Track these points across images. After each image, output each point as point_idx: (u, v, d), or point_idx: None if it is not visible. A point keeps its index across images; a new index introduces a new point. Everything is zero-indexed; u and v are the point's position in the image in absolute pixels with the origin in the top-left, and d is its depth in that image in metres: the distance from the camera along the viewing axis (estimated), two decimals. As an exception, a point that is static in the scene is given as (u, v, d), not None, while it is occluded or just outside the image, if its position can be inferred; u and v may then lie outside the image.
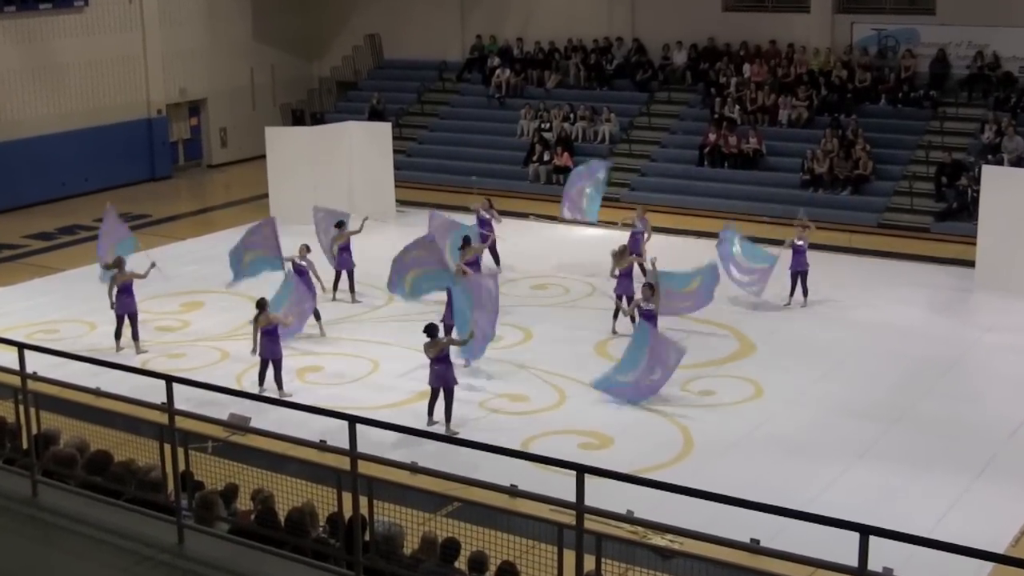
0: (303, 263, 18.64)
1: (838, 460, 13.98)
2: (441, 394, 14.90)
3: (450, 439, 11.94)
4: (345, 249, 20.03)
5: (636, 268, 19.07)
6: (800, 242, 19.31)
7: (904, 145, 26.33)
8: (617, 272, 18.36)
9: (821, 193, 25.70)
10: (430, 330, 14.90)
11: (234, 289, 19.44)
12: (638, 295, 17.51)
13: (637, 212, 20.93)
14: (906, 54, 27.47)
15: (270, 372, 16.14)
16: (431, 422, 14.93)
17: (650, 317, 16.53)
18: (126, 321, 17.81)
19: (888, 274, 21.53)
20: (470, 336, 15.47)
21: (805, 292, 19.41)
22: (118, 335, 17.83)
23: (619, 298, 18.21)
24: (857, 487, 13.24)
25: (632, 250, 19.46)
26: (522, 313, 19.22)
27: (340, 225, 20.26)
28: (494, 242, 21.39)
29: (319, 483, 8.67)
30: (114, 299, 17.72)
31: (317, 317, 18.33)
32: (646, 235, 20.44)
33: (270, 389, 15.98)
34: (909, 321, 19.00)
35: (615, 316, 18.26)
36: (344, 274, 20.13)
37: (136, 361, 16.97)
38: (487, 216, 21.68)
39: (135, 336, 17.87)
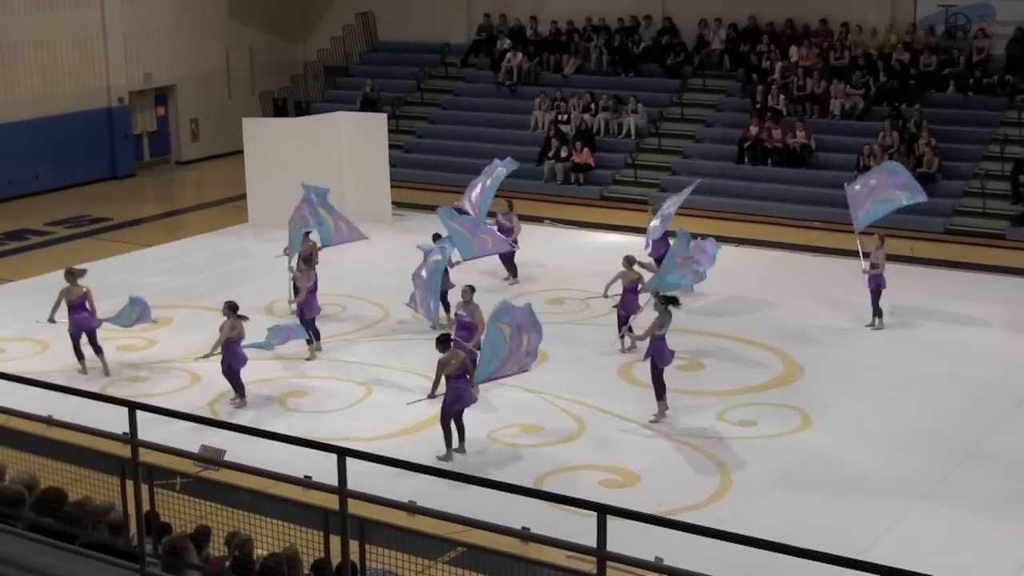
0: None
1: (899, 501, 13.95)
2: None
3: (455, 475, 11.97)
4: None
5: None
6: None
7: (976, 139, 26.33)
8: (620, 288, 18.42)
9: (879, 194, 25.70)
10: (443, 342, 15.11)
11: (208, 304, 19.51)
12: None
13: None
14: (978, 34, 27.48)
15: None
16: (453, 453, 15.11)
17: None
18: (83, 339, 17.88)
19: (957, 287, 21.51)
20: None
21: (878, 312, 19.29)
22: (80, 356, 17.91)
23: (624, 317, 18.26)
24: (921, 532, 13.20)
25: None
26: (536, 331, 19.22)
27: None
28: (512, 254, 21.52)
29: (303, 525, 8.69)
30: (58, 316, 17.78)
31: (315, 338, 18.49)
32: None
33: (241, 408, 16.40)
34: (981, 341, 18.95)
35: (622, 335, 18.26)
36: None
37: (96, 385, 17.03)
38: (507, 224, 21.79)
39: (97, 352, 17.89)
